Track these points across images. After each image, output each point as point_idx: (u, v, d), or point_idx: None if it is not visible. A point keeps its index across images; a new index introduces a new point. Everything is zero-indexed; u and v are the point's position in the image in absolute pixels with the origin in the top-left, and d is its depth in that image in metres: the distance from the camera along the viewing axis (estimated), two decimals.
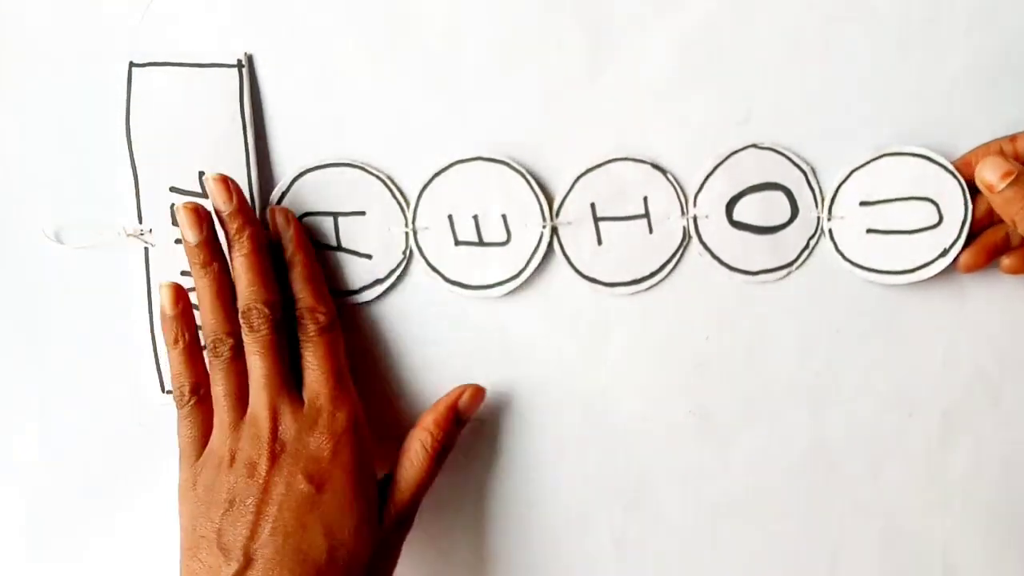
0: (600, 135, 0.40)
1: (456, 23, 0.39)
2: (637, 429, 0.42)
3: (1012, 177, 0.37)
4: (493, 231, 0.40)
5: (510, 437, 0.43)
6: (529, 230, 0.40)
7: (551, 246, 0.40)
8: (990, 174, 0.38)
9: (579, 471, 0.43)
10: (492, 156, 0.40)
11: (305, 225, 0.40)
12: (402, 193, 0.40)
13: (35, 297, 0.41)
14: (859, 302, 0.41)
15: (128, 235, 0.39)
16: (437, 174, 0.40)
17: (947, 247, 0.40)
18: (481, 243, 0.40)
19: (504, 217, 0.40)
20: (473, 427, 0.42)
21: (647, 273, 0.41)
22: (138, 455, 0.42)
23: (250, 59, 0.39)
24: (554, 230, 0.40)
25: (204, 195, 0.39)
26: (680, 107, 0.40)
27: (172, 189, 0.39)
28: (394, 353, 0.41)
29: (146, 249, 0.39)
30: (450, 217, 0.40)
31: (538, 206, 0.40)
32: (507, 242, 0.40)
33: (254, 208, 0.39)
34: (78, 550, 0.42)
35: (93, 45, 0.39)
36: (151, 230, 0.39)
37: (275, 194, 0.40)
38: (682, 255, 0.41)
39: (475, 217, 0.40)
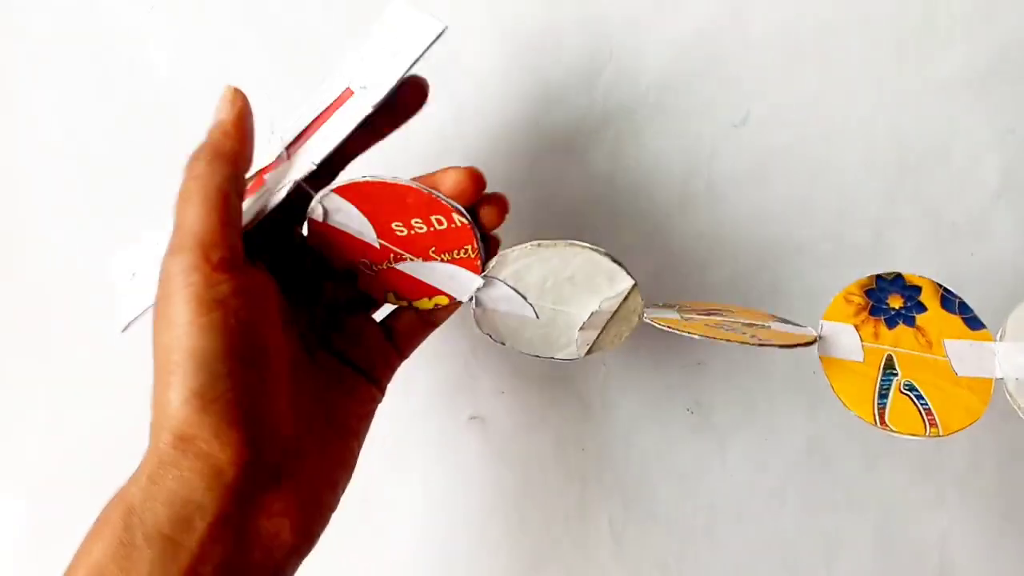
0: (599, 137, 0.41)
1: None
2: (636, 425, 0.43)
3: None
4: None
5: (511, 432, 0.43)
6: None
7: None
8: None
9: (578, 466, 0.43)
10: None
11: None
12: None
13: (43, 301, 0.41)
14: None
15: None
16: None
17: None
18: None
19: None
20: (474, 424, 0.42)
21: None
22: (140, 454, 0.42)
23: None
24: None
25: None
26: (678, 109, 0.41)
27: None
28: None
29: None
30: None
31: None
32: None
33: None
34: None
35: None
36: None
37: None
38: None
39: None
